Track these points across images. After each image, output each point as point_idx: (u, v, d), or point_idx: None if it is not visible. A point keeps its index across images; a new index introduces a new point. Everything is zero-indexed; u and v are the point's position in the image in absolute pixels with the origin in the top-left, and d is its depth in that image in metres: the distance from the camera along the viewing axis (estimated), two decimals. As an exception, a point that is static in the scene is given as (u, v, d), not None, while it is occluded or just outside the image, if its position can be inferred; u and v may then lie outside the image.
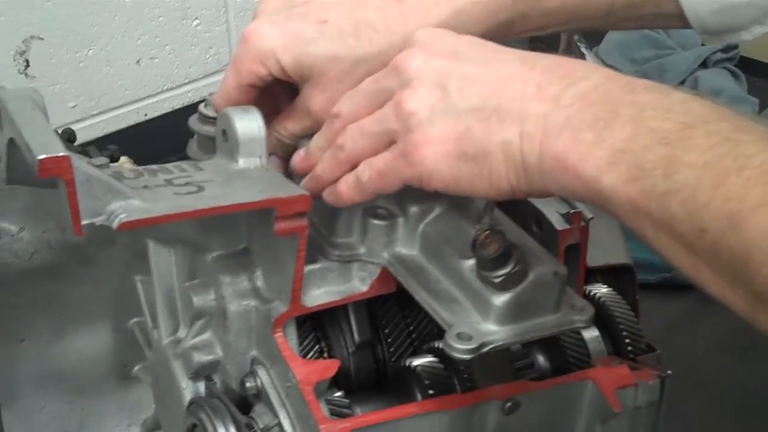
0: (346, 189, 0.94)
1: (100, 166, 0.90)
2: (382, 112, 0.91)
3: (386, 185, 0.92)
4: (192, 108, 1.97)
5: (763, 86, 2.46)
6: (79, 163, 0.82)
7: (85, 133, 2.12)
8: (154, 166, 0.95)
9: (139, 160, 1.63)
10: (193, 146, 1.19)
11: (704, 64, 2.44)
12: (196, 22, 2.22)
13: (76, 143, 1.81)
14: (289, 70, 0.99)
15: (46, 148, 0.80)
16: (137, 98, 2.20)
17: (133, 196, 0.84)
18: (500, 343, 0.89)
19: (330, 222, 1.01)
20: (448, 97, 0.87)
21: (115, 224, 0.82)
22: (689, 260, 0.75)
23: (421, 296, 0.95)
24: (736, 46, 2.46)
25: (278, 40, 0.99)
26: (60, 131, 1.76)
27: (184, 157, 1.58)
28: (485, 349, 0.88)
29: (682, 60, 2.44)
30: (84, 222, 0.83)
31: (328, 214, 1.01)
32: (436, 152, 0.87)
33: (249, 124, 0.96)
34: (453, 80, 0.87)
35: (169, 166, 0.95)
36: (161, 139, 2.05)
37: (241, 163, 0.96)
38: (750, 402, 1.55)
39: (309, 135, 1.01)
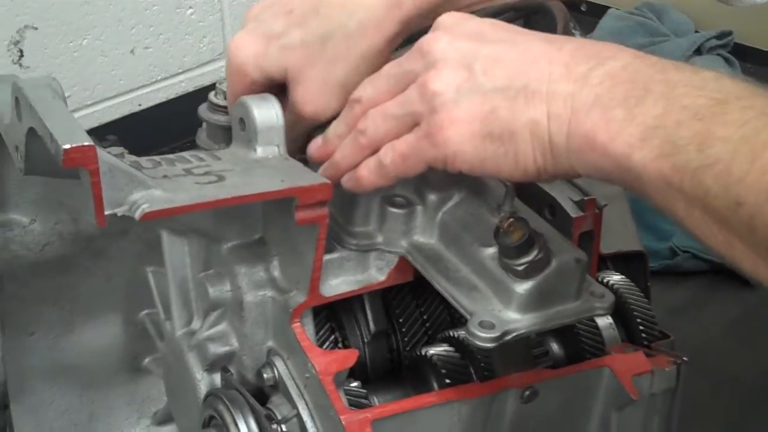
0: (367, 174, 0.93)
1: (117, 156, 0.89)
2: (406, 94, 0.90)
3: (409, 168, 0.90)
4: (186, 97, 1.97)
5: (757, 72, 2.47)
6: (102, 153, 0.81)
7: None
8: (171, 156, 0.94)
9: (133, 151, 1.61)
10: (202, 135, 1.18)
11: (698, 51, 2.44)
12: (191, 11, 2.20)
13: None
14: (272, 73, 0.99)
15: (71, 138, 0.79)
16: (131, 88, 2.19)
17: (155, 186, 0.84)
18: (523, 331, 0.89)
19: (347, 211, 1.00)
20: (474, 78, 0.86)
21: (137, 215, 0.81)
22: (723, 236, 0.74)
23: (441, 284, 0.94)
24: (730, 33, 2.46)
25: (253, 47, 0.99)
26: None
27: (180, 147, 1.57)
28: (508, 338, 0.88)
29: (676, 47, 2.44)
30: (107, 212, 0.82)
31: (345, 203, 1.00)
32: (461, 132, 0.86)
33: (267, 112, 0.95)
34: (478, 61, 0.86)
35: (185, 155, 0.94)
36: (156, 129, 2.04)
37: (260, 151, 0.95)
38: (754, 387, 1.55)
39: (323, 126, 1.00)
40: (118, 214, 0.82)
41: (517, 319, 0.90)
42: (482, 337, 0.87)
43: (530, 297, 0.90)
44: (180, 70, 2.24)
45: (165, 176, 0.88)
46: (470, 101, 0.86)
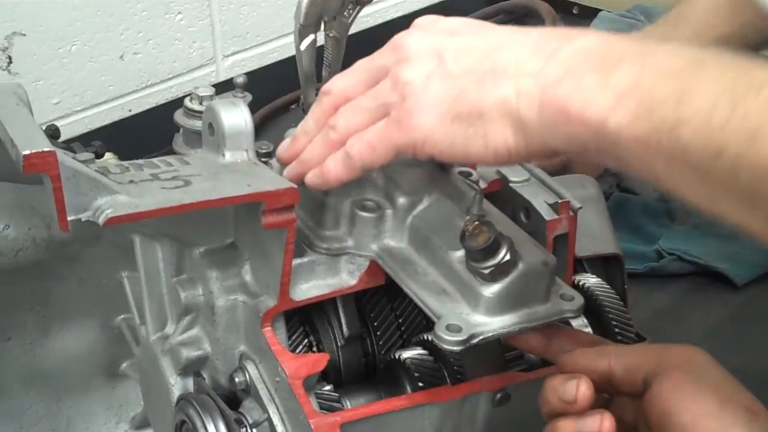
0: (333, 167, 0.93)
1: (85, 162, 0.89)
2: (378, 87, 0.90)
3: (378, 157, 0.90)
4: (176, 103, 1.97)
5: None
6: (65, 158, 0.81)
7: (69, 129, 2.10)
8: (140, 161, 0.95)
9: (123, 156, 1.62)
10: (179, 140, 1.19)
11: (689, 53, 2.43)
12: (180, 16, 2.20)
13: (60, 140, 1.80)
14: None
15: (30, 144, 0.79)
16: (121, 94, 2.19)
17: (120, 192, 0.84)
18: (490, 334, 0.89)
19: (317, 215, 1.00)
20: (444, 65, 0.86)
21: (101, 220, 0.82)
22: (705, 190, 0.73)
23: (410, 288, 0.94)
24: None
25: None
26: (44, 128, 1.75)
27: (170, 152, 1.57)
28: (475, 341, 0.88)
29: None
30: (70, 218, 0.82)
31: (316, 207, 1.00)
32: (430, 116, 0.86)
33: (235, 117, 0.95)
34: (449, 50, 0.87)
35: (155, 160, 0.95)
36: (146, 135, 2.04)
37: (228, 156, 0.95)
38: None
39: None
40: (83, 219, 0.83)
41: (484, 323, 0.90)
42: (449, 341, 0.87)
43: (498, 300, 0.90)
44: (170, 76, 2.24)
45: (131, 181, 0.88)
46: (439, 86, 0.86)
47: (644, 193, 1.99)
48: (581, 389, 0.86)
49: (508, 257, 0.89)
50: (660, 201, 1.95)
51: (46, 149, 0.79)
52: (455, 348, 0.87)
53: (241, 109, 0.95)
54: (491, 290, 0.90)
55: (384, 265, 0.98)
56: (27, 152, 0.79)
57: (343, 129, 0.92)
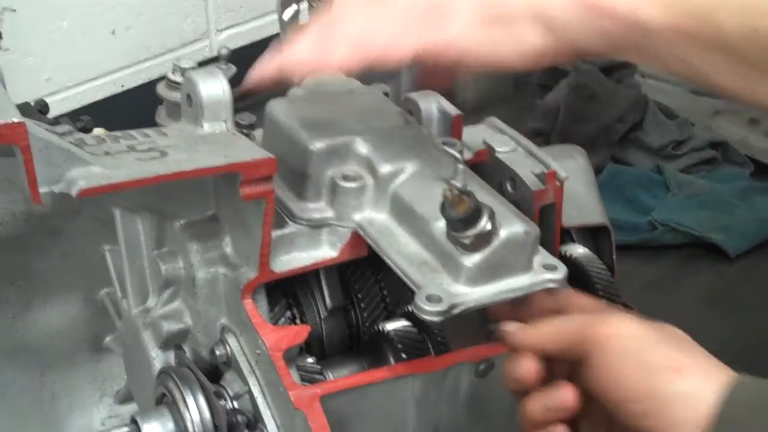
0: (339, 50, 0.91)
1: (63, 134, 0.88)
2: None
3: (395, 51, 0.89)
4: (169, 77, 1.95)
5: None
6: (37, 129, 0.80)
7: (61, 105, 2.09)
8: (117, 133, 0.93)
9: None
10: (161, 113, 1.18)
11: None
12: (172, -10, 2.19)
13: (49, 115, 1.79)
14: None
15: (0, 114, 0.78)
16: (113, 69, 2.18)
17: (94, 163, 0.83)
18: (471, 304, 0.88)
19: (298, 186, 0.99)
20: None
21: (74, 191, 0.81)
22: (741, 72, 0.74)
23: (391, 258, 0.93)
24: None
25: None
26: (33, 103, 1.74)
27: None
28: (455, 311, 0.87)
29: None
30: (42, 190, 0.81)
31: (296, 179, 0.99)
32: (461, 18, 0.86)
33: (213, 87, 0.94)
34: None
35: (132, 132, 0.93)
36: (139, 110, 2.02)
37: (206, 127, 0.94)
38: (731, 361, 1.53)
39: None
40: (56, 192, 0.82)
41: (465, 293, 0.89)
42: (429, 311, 0.86)
43: (479, 270, 0.89)
44: (163, 51, 2.22)
45: (107, 153, 0.87)
46: None
47: (638, 164, 1.99)
48: (523, 369, 0.86)
49: (488, 227, 0.88)
50: (654, 172, 1.95)
51: (15, 120, 0.78)
52: (435, 318, 0.86)
53: (219, 79, 0.94)
54: (472, 260, 0.89)
55: (365, 236, 0.97)
56: (-4, 123, 0.78)
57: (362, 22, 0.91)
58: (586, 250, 1.15)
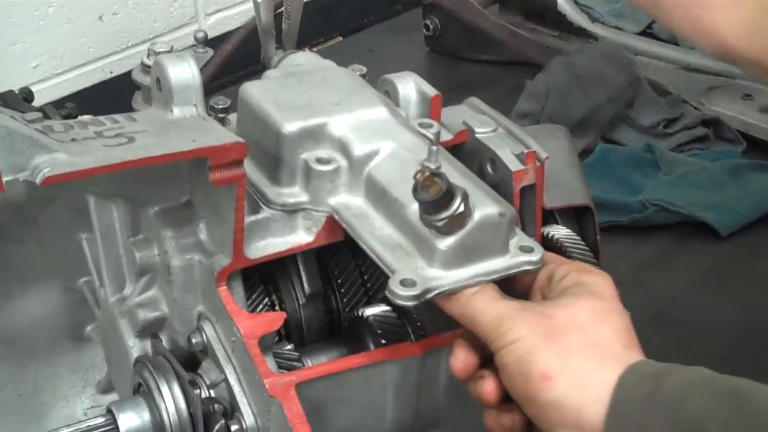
0: None
1: (32, 121, 0.87)
2: None
3: None
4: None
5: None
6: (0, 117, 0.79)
7: (49, 93, 2.08)
8: (86, 118, 0.92)
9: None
10: (138, 98, 1.17)
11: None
12: (159, -25, 2.18)
13: (37, 102, 1.78)
14: None
15: None
16: (101, 55, 2.17)
17: (59, 150, 0.82)
18: (446, 288, 0.87)
19: (273, 171, 0.98)
20: None
21: (38, 179, 0.80)
22: None
23: (366, 243, 0.92)
24: None
25: None
26: (17, 91, 1.73)
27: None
28: (430, 296, 0.86)
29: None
30: (6, 178, 0.80)
31: (270, 163, 0.98)
32: None
33: (182, 71, 0.92)
34: None
35: (102, 118, 0.92)
36: (129, 96, 2.01)
37: (176, 111, 0.92)
38: (723, 340, 1.53)
39: None
40: (20, 179, 0.81)
41: (439, 276, 0.87)
42: (402, 296, 0.85)
43: (453, 253, 0.88)
44: (151, 36, 2.21)
45: (73, 139, 0.86)
46: None
47: (630, 143, 1.97)
48: (456, 357, 0.89)
49: (461, 209, 0.86)
50: (646, 151, 1.93)
51: (-23, 108, 0.77)
52: (409, 303, 0.85)
53: (188, 63, 0.92)
54: (446, 243, 0.87)
55: (340, 221, 0.95)
56: (-44, 112, 0.77)
57: None
58: (569, 230, 1.13)
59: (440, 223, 0.86)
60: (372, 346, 1.00)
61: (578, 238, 1.12)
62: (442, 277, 0.87)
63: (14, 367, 1.16)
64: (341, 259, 1.07)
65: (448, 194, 0.85)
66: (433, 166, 0.87)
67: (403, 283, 0.85)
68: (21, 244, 1.09)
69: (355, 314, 1.03)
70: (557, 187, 1.14)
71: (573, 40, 2.32)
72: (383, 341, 0.99)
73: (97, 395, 1.20)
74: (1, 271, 1.10)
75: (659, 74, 2.14)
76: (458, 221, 0.87)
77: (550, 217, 1.16)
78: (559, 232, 1.13)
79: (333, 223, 0.97)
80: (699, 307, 1.58)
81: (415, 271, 0.87)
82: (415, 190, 0.87)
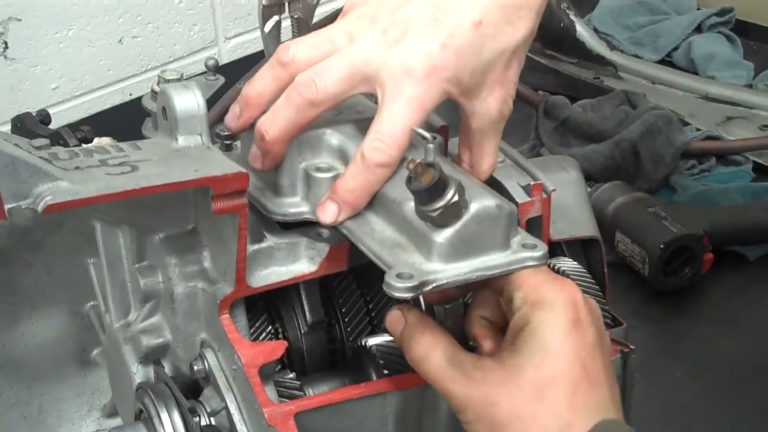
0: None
1: (39, 148, 0.88)
2: None
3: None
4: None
5: (760, 50, 2.41)
6: (4, 144, 0.80)
7: (68, 114, 2.10)
8: (91, 146, 0.93)
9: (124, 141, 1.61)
10: (148, 125, 1.17)
11: (699, 29, 2.40)
12: (179, -1, 2.19)
13: (55, 124, 1.80)
14: None
15: None
16: (121, 78, 2.18)
17: (62, 178, 0.82)
18: (444, 281, 0.85)
19: (273, 182, 0.98)
20: None
21: (40, 207, 0.80)
22: None
23: (365, 245, 0.91)
24: (731, 10, 2.41)
25: None
26: (34, 113, 1.74)
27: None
28: (427, 288, 0.84)
29: (676, 25, 2.40)
30: (8, 206, 0.81)
31: (270, 175, 0.98)
32: None
33: (187, 100, 0.93)
34: None
35: (107, 146, 0.93)
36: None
37: (181, 141, 0.93)
38: (733, 374, 1.52)
39: None
40: (23, 207, 0.81)
41: (437, 270, 0.86)
42: (398, 287, 0.83)
43: (450, 246, 0.86)
44: (170, 59, 2.23)
45: (77, 167, 0.86)
46: None
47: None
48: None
49: (456, 198, 0.85)
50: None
51: (-21, 136, 0.77)
52: (406, 295, 0.83)
53: (193, 92, 0.93)
54: (443, 235, 0.86)
55: (341, 227, 0.95)
56: (-42, 141, 0.78)
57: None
58: (576, 263, 1.13)
59: (435, 214, 0.85)
60: (374, 376, 1.00)
61: (585, 270, 1.12)
62: (440, 271, 0.86)
63: (20, 390, 1.17)
64: (346, 289, 1.07)
65: (441, 182, 0.84)
66: (429, 159, 0.87)
67: (400, 276, 0.84)
68: (28, 269, 1.10)
69: (358, 343, 1.03)
70: (564, 219, 1.14)
71: (591, 66, 2.32)
72: (385, 371, 0.99)
73: (102, 419, 1.20)
74: (8, 296, 1.11)
75: (677, 103, 2.13)
76: (453, 211, 0.86)
77: (557, 249, 1.16)
78: (566, 264, 1.13)
79: (337, 253, 0.97)
80: (709, 340, 1.57)
81: (413, 265, 0.86)
82: (409, 181, 0.86)
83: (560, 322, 0.88)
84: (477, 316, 0.96)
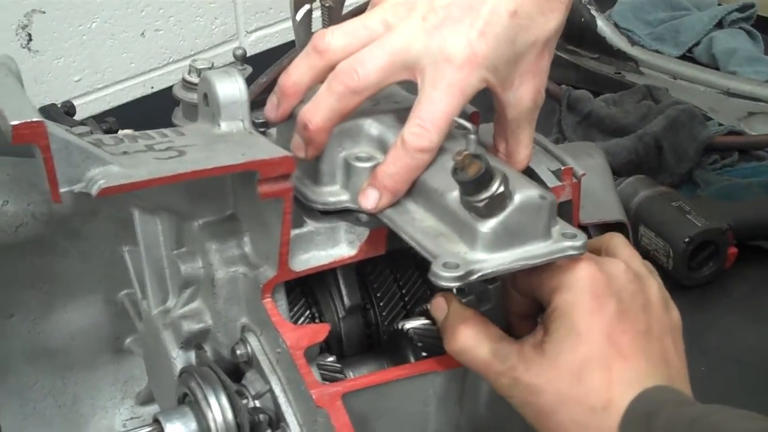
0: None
1: (81, 135, 0.88)
2: None
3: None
4: (198, 79, 1.95)
5: (781, 46, 2.41)
6: (56, 129, 0.80)
7: (90, 107, 2.11)
8: (135, 132, 0.93)
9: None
10: (178, 114, 1.18)
11: (720, 25, 2.39)
12: (201, -8, 2.20)
13: (78, 116, 1.80)
14: None
15: (19, 114, 0.78)
16: (143, 71, 2.19)
17: (113, 162, 0.83)
18: (489, 270, 0.87)
19: (312, 171, 0.99)
20: None
21: (94, 191, 0.81)
22: None
23: (408, 234, 0.92)
24: (752, 5, 2.41)
25: None
26: (59, 105, 1.75)
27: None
28: (473, 278, 0.86)
29: (697, 21, 2.40)
30: (62, 189, 0.81)
31: (310, 165, 0.99)
32: None
33: (230, 86, 0.94)
34: None
35: (150, 132, 0.94)
36: (168, 112, 2.03)
37: (223, 126, 0.94)
38: (758, 368, 1.52)
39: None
40: (75, 191, 0.82)
41: (482, 259, 0.87)
42: (445, 277, 0.84)
43: (495, 236, 0.88)
44: (192, 52, 2.23)
45: (125, 152, 0.87)
46: None
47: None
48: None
49: (501, 188, 0.86)
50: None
51: (35, 119, 0.78)
52: (453, 284, 0.85)
53: (235, 78, 0.94)
54: (488, 225, 0.87)
55: (381, 216, 0.96)
56: (15, 122, 0.78)
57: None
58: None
59: (481, 204, 0.86)
60: (412, 359, 1.01)
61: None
62: (485, 260, 0.87)
63: (55, 378, 1.17)
64: (380, 273, 1.08)
65: (487, 174, 0.86)
66: (472, 150, 0.88)
67: (446, 265, 0.85)
68: (64, 257, 1.10)
69: (395, 327, 1.04)
70: (592, 203, 1.15)
71: (612, 62, 2.32)
72: (423, 354, 1.00)
73: (136, 407, 1.21)
74: (44, 284, 1.12)
75: (699, 99, 2.13)
76: (499, 202, 0.87)
77: (584, 232, 1.17)
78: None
79: (376, 237, 0.98)
80: (733, 333, 1.57)
81: (458, 255, 0.87)
82: (455, 171, 0.87)
83: (581, 301, 0.90)
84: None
